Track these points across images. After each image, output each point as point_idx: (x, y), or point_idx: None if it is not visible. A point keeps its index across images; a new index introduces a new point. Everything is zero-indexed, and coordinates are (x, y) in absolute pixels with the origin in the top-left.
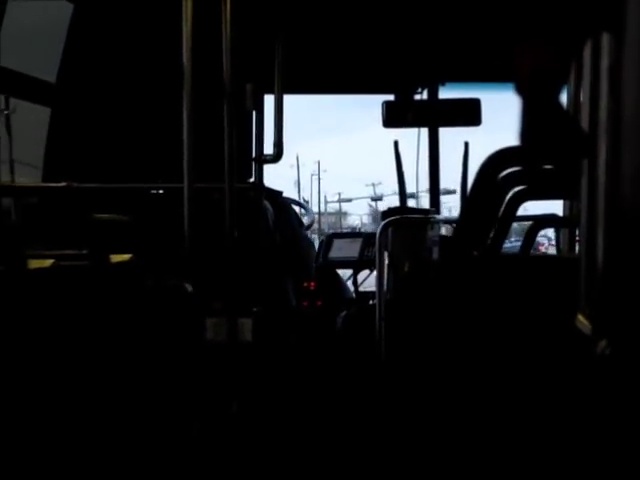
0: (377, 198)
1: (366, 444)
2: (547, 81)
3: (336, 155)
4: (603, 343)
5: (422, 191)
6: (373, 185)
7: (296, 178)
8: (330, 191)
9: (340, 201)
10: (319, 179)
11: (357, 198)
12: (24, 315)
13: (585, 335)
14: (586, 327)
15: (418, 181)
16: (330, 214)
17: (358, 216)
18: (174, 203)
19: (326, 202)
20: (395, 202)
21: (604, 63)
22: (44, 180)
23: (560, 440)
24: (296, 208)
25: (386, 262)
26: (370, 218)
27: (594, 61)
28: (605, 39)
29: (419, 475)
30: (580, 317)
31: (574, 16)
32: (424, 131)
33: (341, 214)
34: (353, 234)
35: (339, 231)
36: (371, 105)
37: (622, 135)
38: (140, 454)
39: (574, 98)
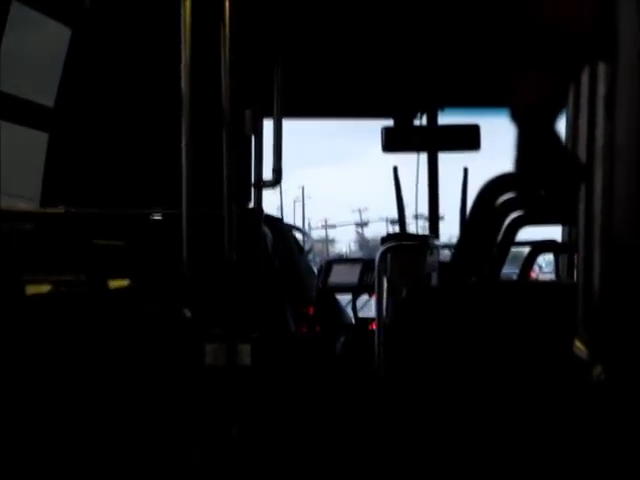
0: (362, 224)
1: (366, 469)
2: (544, 110)
3: (320, 182)
4: (599, 368)
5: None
6: (359, 211)
7: (279, 204)
8: (314, 217)
9: (326, 227)
10: (303, 205)
11: (342, 225)
12: (22, 340)
13: (582, 360)
14: (583, 353)
15: (417, 206)
16: (316, 241)
17: (345, 243)
18: (173, 229)
19: (310, 229)
20: (381, 228)
21: (600, 91)
22: (42, 205)
23: (557, 464)
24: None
25: (385, 287)
26: (357, 245)
27: (591, 89)
28: (601, 68)
29: None
30: (577, 343)
31: (571, 46)
32: (414, 156)
33: (328, 241)
34: (352, 260)
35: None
36: (358, 133)
37: (617, 162)
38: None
39: (573, 125)
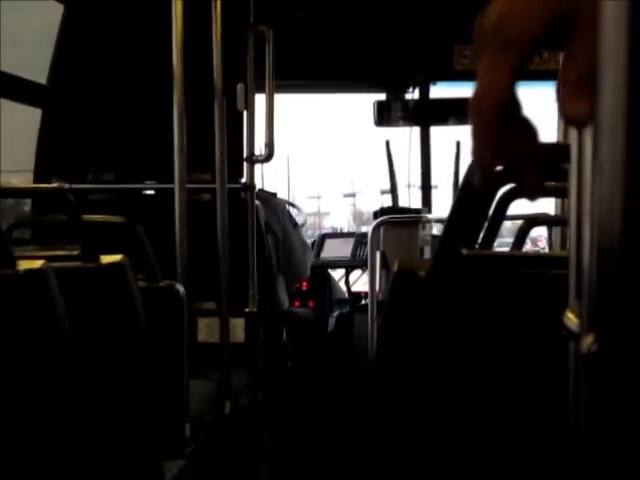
0: (350, 195)
1: (357, 443)
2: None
3: (305, 154)
4: (590, 339)
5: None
6: (351, 182)
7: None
8: (298, 189)
9: (318, 199)
10: (288, 176)
11: (328, 196)
12: (13, 316)
13: (573, 332)
14: (574, 324)
15: (410, 180)
16: (307, 214)
17: (336, 215)
18: (165, 204)
19: (294, 200)
20: (370, 199)
21: None
22: (35, 181)
23: (552, 439)
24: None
25: (378, 262)
26: (352, 218)
27: None
28: None
29: (410, 474)
30: (569, 314)
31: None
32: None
33: (320, 214)
34: (345, 234)
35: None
36: (348, 106)
37: (606, 132)
38: (130, 455)
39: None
